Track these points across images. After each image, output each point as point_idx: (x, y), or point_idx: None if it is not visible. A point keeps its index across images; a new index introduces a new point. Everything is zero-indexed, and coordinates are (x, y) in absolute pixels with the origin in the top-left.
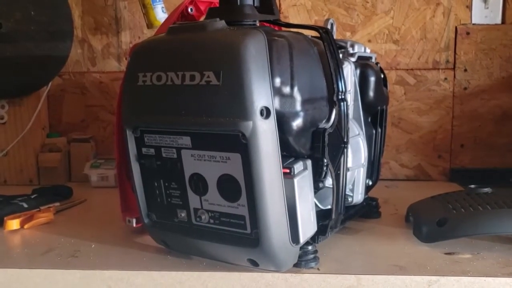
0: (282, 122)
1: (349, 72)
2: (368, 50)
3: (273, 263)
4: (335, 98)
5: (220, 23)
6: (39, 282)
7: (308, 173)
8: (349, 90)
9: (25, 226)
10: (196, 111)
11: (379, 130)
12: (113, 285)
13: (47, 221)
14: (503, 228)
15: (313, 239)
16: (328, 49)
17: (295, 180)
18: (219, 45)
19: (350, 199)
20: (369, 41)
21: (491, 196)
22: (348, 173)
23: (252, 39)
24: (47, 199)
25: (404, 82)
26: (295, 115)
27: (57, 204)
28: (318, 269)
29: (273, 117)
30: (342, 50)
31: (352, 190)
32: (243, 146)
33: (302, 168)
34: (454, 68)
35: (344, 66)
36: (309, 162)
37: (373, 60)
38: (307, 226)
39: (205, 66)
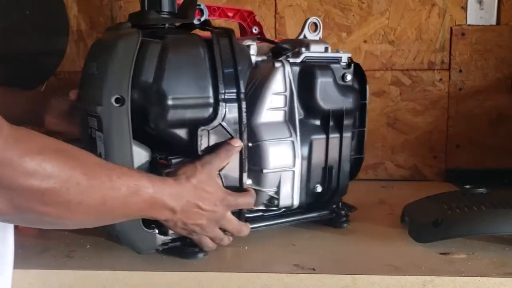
0: (154, 117)
1: (281, 73)
2: (340, 51)
3: (127, 243)
4: (219, 98)
5: (127, 25)
6: (33, 283)
7: None
8: (283, 92)
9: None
10: (90, 96)
11: (337, 135)
12: (108, 286)
13: None
14: (498, 228)
15: None
16: (218, 50)
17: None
18: (105, 42)
19: (276, 202)
20: (365, 41)
21: (486, 197)
22: (270, 175)
23: (124, 38)
24: None
25: (399, 82)
26: (164, 111)
27: None
28: (313, 269)
29: (127, 106)
30: (286, 51)
31: (277, 193)
32: (101, 128)
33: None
34: (449, 69)
35: (277, 66)
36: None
37: (344, 60)
38: None
39: (95, 58)
